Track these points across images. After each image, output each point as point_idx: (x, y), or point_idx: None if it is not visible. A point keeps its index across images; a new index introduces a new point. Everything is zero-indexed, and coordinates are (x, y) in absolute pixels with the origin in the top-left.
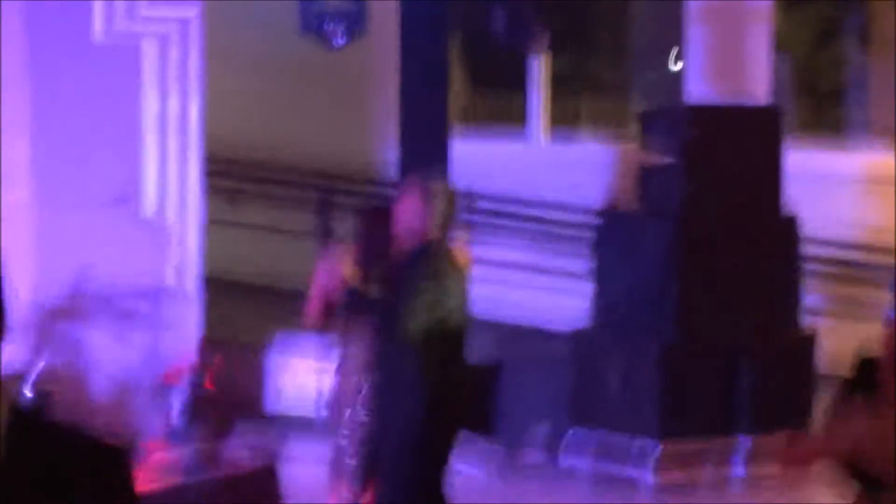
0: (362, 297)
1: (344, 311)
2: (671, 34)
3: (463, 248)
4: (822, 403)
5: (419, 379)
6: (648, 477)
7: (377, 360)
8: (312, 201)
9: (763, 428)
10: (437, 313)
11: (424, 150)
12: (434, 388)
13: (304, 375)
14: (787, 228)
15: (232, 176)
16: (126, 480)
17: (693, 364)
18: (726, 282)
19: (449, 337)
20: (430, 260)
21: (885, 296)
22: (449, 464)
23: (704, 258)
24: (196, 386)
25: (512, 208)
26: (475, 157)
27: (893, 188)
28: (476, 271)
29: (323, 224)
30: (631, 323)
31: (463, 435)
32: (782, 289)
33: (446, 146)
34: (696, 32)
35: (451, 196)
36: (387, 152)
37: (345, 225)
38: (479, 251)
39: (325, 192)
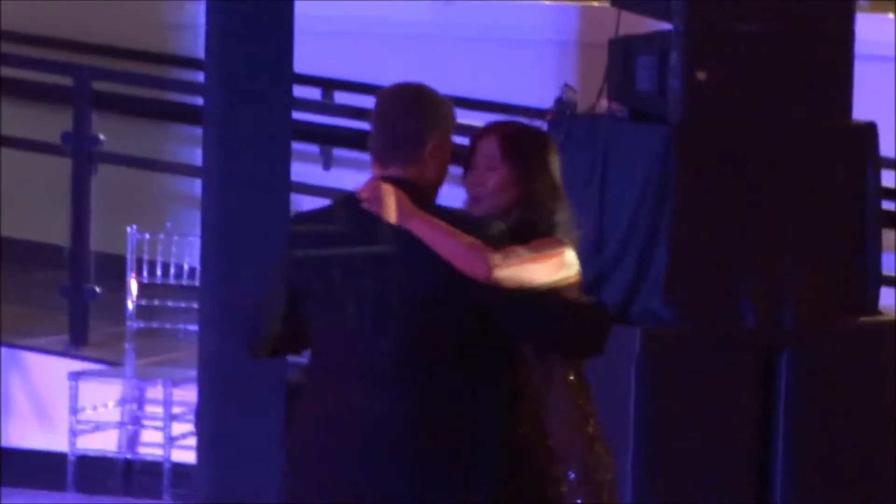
0: None
1: None
2: None
3: None
4: None
5: None
6: None
7: None
8: (63, 93)
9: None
10: None
11: (251, 7)
12: None
13: (53, 384)
14: (860, 144)
15: None
16: None
17: (698, 364)
18: (756, 226)
19: None
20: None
21: None
22: None
23: (720, 188)
24: None
25: None
26: (336, 22)
27: None
28: None
29: (79, 130)
30: (594, 297)
31: None
32: (847, 243)
33: (286, 2)
34: None
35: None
36: (192, 12)
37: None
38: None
39: (83, 76)
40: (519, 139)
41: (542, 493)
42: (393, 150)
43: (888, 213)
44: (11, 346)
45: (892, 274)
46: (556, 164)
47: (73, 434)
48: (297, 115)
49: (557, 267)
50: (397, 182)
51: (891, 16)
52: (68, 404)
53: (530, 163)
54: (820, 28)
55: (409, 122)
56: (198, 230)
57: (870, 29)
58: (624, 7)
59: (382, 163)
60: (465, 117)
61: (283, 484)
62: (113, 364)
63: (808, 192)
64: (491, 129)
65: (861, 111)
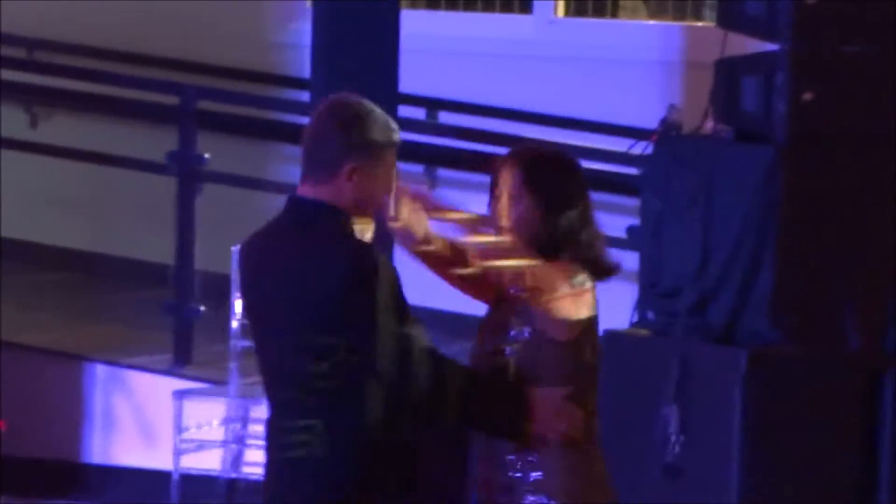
0: None
1: None
2: None
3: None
4: None
5: None
6: None
7: None
8: (168, 112)
9: None
10: None
11: (356, 27)
12: None
13: (157, 403)
14: None
15: (33, 69)
16: None
17: (804, 384)
18: (861, 247)
19: None
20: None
21: None
22: None
23: (826, 209)
24: None
25: (500, 128)
26: (441, 42)
27: None
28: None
29: (185, 149)
30: (700, 317)
31: None
32: None
33: (392, 22)
34: None
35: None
36: (297, 32)
37: (225, 151)
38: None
39: (189, 95)
40: (540, 166)
41: None
42: (309, 167)
43: None
44: (116, 364)
45: None
46: (582, 190)
47: (178, 453)
48: (402, 135)
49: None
50: (305, 201)
51: None
52: (173, 423)
53: (553, 192)
54: None
55: (327, 140)
56: None
57: None
58: (730, 27)
59: (301, 178)
60: (569, 137)
61: None
62: (217, 383)
63: None
64: (511, 155)
65: None
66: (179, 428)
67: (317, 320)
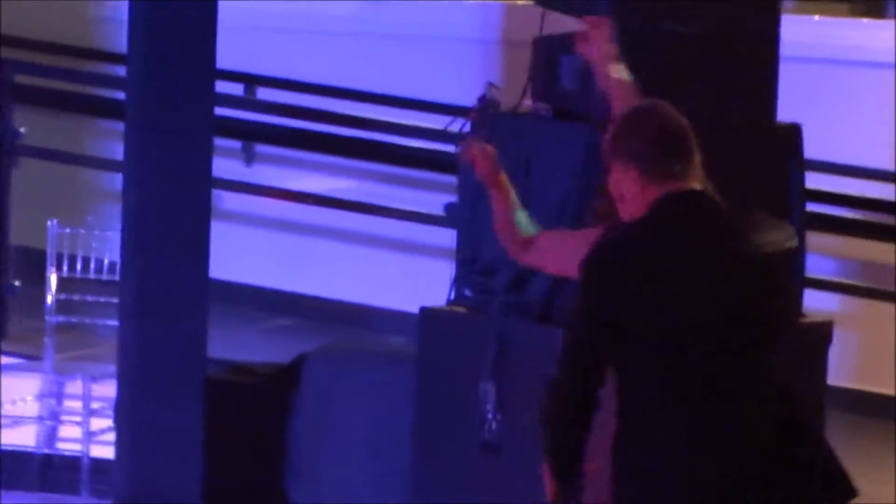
0: None
1: None
2: None
3: None
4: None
5: None
6: None
7: None
8: None
9: None
10: None
11: (173, 2)
12: None
13: None
14: (784, 146)
15: None
16: None
17: None
18: None
19: None
20: None
21: None
22: None
23: None
24: None
25: (319, 105)
26: (260, 17)
27: None
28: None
29: (1, 123)
30: (517, 295)
31: None
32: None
33: None
34: None
35: None
36: (114, 7)
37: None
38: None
39: (6, 69)
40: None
41: None
42: (692, 165)
43: (814, 214)
44: None
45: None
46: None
47: None
48: (220, 111)
49: None
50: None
51: (816, 18)
52: None
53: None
54: (746, 28)
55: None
56: (118, 225)
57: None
58: (548, 6)
59: (685, 175)
60: (388, 115)
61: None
62: (32, 359)
63: (733, 192)
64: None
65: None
66: None
67: None
